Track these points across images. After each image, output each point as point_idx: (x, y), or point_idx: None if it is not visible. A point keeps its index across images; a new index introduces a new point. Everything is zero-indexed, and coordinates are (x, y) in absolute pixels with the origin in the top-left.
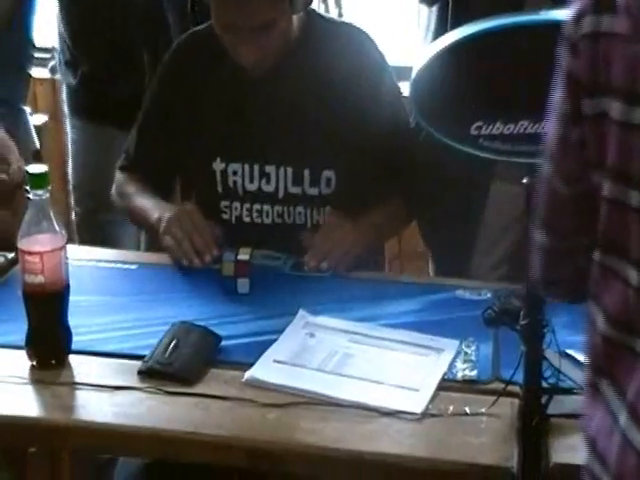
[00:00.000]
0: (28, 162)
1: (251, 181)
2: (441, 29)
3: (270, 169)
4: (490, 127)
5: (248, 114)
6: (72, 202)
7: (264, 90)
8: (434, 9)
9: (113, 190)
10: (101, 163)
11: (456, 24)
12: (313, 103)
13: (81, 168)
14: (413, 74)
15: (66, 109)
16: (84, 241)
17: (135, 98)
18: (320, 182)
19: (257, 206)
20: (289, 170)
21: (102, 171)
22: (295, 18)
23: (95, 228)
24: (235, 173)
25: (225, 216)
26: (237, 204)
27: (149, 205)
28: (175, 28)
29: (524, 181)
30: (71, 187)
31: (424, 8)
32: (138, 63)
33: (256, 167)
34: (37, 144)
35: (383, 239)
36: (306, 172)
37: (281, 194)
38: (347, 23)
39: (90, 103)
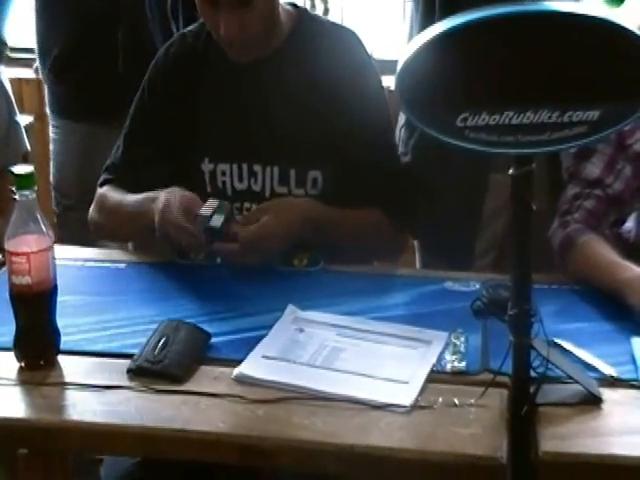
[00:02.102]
0: (18, 164)
1: (240, 180)
2: (428, 21)
3: (257, 168)
4: (476, 118)
5: (236, 114)
6: (53, 202)
7: (252, 90)
8: (420, 2)
9: (91, 209)
10: (81, 162)
11: (444, 16)
12: (300, 103)
13: (61, 167)
14: (398, 67)
15: (47, 110)
16: (64, 240)
17: (111, 90)
18: (306, 182)
19: (246, 204)
20: (275, 169)
21: (82, 170)
22: (285, 16)
23: (75, 227)
24: (224, 173)
25: None
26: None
27: (138, 199)
28: (151, 4)
29: (510, 172)
30: (51, 187)
31: (410, 2)
32: (112, 41)
33: (244, 166)
34: (28, 147)
35: (348, 238)
36: (292, 172)
37: (267, 193)
38: (337, 24)
39: (67, 99)
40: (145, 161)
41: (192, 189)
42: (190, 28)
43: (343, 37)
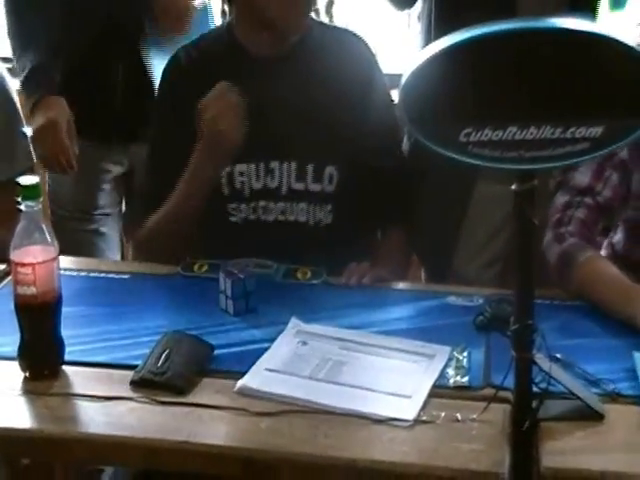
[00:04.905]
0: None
1: (257, 179)
2: (425, 38)
3: (274, 164)
4: (479, 133)
5: (252, 113)
6: (49, 212)
7: (267, 88)
8: (423, 21)
9: (144, 241)
10: (76, 175)
11: (441, 31)
12: (314, 100)
13: (55, 177)
14: (402, 81)
15: None
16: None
17: (107, 111)
18: (323, 178)
19: (262, 203)
20: (293, 165)
21: (76, 183)
22: None
23: (70, 237)
24: (242, 174)
25: (233, 218)
26: (244, 205)
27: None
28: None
29: (513, 187)
30: (47, 197)
31: (414, 17)
32: (112, 76)
33: (262, 165)
34: (34, 160)
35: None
36: (309, 167)
37: (284, 190)
38: (343, 28)
39: None
40: (173, 171)
41: (209, 193)
42: (192, 41)
43: (350, 38)
